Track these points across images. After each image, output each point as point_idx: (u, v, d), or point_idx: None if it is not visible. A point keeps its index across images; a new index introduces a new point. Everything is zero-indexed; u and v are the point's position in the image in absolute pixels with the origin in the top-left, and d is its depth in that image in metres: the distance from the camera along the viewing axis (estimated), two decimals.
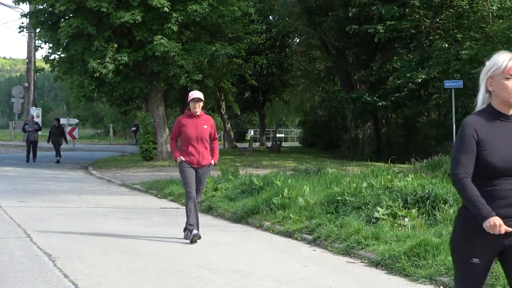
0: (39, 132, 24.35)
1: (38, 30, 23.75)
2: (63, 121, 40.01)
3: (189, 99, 7.93)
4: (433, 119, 27.53)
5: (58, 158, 23.64)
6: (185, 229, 7.96)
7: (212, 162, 8.06)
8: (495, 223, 3.10)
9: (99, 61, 20.25)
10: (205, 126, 7.94)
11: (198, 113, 7.89)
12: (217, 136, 8.17)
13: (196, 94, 7.91)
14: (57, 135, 23.91)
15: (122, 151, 33.85)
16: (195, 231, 7.75)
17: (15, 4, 23.65)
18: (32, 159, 23.12)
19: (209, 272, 6.20)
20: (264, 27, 32.83)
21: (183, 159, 7.86)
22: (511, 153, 3.24)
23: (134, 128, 41.02)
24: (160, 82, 22.39)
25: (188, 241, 7.88)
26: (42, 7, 21.98)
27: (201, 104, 7.89)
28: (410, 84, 21.97)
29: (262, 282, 5.87)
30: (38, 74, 37.80)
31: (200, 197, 8.21)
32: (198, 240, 7.74)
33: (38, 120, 31.11)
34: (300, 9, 28.78)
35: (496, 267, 5.60)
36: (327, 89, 37.87)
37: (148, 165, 20.92)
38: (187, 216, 7.81)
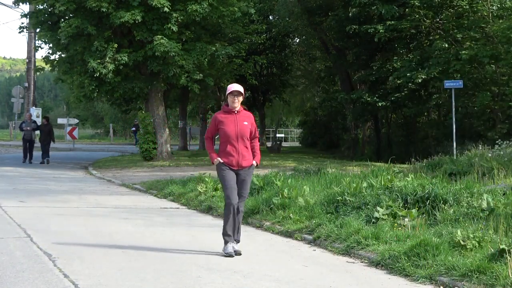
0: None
1: (38, 30, 23.73)
2: (63, 121, 40.10)
3: (227, 92, 7.12)
4: (433, 119, 27.51)
5: (47, 158, 22.71)
6: (227, 249, 7.16)
7: (254, 162, 7.20)
8: None
9: (99, 61, 20.26)
10: (245, 123, 7.10)
11: (237, 109, 7.08)
12: (258, 135, 7.36)
13: (235, 86, 7.10)
14: (45, 133, 22.91)
15: (122, 151, 33.87)
16: (234, 247, 7.06)
17: (14, 5, 23.66)
18: (28, 160, 22.72)
19: (209, 272, 6.21)
20: (264, 27, 32.80)
21: (221, 161, 7.08)
22: None
23: (134, 129, 41.10)
24: (160, 82, 22.39)
25: (188, 241, 7.87)
26: (42, 7, 21.99)
27: (241, 98, 7.08)
28: (410, 84, 21.96)
29: (262, 282, 5.87)
30: (38, 74, 37.81)
31: (243, 205, 7.26)
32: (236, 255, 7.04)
33: (38, 120, 31.04)
34: (300, 9, 28.77)
35: (496, 267, 5.61)
36: (327, 89, 37.87)
37: (148, 165, 20.93)
38: (224, 226, 7.09)
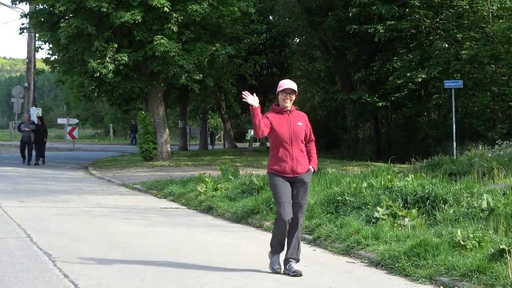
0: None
1: (38, 30, 23.71)
2: (63, 121, 40.12)
3: (278, 89, 6.28)
4: (433, 119, 27.49)
5: (43, 159, 22.24)
6: (273, 264, 6.29)
7: (311, 168, 6.32)
8: None
9: (99, 61, 20.26)
10: (300, 124, 6.26)
11: (289, 108, 6.26)
12: (313, 137, 6.46)
13: (288, 83, 6.25)
14: (40, 134, 22.35)
15: (122, 151, 33.88)
16: (293, 266, 6.13)
17: (13, 3, 23.59)
18: (28, 160, 22.36)
19: (209, 272, 6.20)
20: (264, 27, 32.81)
21: (257, 101, 6.05)
22: None
23: (131, 132, 41.57)
24: (160, 82, 22.39)
25: (188, 241, 7.87)
26: (42, 7, 21.99)
27: (294, 97, 6.25)
28: (410, 84, 21.95)
29: (262, 282, 5.87)
30: (38, 75, 37.76)
31: (303, 217, 6.30)
32: (297, 275, 6.10)
33: None
34: (300, 9, 28.76)
35: (496, 267, 5.60)
36: (327, 89, 37.84)
37: (148, 165, 20.93)
38: (272, 237, 6.29)
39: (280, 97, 6.27)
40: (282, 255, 6.32)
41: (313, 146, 6.45)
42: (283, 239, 6.20)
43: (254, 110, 6.05)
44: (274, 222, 6.49)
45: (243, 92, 6.15)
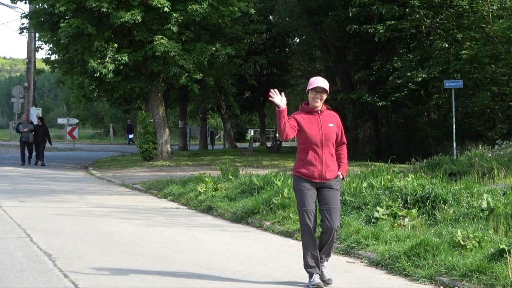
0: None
1: (38, 31, 23.69)
2: (63, 121, 40.12)
3: (308, 87, 5.76)
4: (433, 119, 27.50)
5: (42, 161, 21.88)
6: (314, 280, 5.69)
7: (340, 174, 5.84)
8: None
9: (99, 61, 20.26)
10: (331, 125, 5.79)
11: (319, 108, 5.78)
12: (345, 140, 6.05)
13: (320, 81, 5.74)
14: (41, 134, 22.04)
15: (122, 151, 33.87)
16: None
17: (12, 3, 23.57)
18: (27, 161, 22.21)
19: (209, 272, 6.21)
20: (264, 27, 32.83)
21: (284, 103, 5.53)
22: None
23: (128, 134, 41.61)
24: (160, 82, 22.40)
25: (188, 241, 7.87)
26: (42, 6, 21.98)
27: (325, 96, 5.74)
28: (410, 84, 21.96)
29: (262, 282, 5.87)
30: (38, 76, 37.84)
31: (339, 222, 5.85)
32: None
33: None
34: (300, 9, 28.76)
35: (496, 267, 5.61)
36: None
37: (148, 165, 20.94)
38: (304, 256, 5.72)
39: (310, 95, 5.76)
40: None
41: (344, 150, 5.99)
42: (315, 250, 5.71)
43: (280, 113, 5.51)
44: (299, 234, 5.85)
45: (271, 90, 5.64)
